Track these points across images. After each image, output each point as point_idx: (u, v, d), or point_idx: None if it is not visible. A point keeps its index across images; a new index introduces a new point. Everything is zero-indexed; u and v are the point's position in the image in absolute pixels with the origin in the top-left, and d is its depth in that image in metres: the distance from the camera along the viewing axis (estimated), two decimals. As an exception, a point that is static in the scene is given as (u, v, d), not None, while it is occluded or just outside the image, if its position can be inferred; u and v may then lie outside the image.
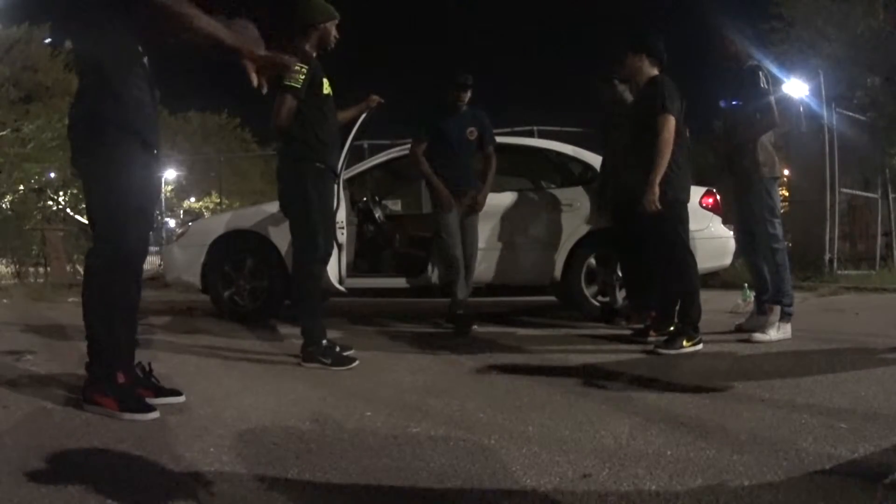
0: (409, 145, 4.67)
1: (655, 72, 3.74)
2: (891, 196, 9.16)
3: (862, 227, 9.87)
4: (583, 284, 4.71)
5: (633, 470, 1.72)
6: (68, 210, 22.54)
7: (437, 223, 4.43)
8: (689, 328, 3.51)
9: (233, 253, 4.98)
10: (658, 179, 3.49)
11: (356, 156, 6.87)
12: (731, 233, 4.99)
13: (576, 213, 4.72)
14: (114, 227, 2.30)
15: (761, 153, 3.81)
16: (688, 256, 3.62)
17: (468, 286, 4.50)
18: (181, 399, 2.47)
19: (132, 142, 2.28)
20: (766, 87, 3.76)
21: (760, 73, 3.78)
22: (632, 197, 4.07)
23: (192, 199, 31.50)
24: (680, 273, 3.63)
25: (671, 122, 3.52)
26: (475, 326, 4.34)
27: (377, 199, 6.03)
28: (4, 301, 6.76)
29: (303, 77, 3.14)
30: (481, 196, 4.48)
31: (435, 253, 4.64)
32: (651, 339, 3.72)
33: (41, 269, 10.29)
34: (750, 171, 3.82)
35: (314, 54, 3.30)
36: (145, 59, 2.34)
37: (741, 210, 4.02)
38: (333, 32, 3.35)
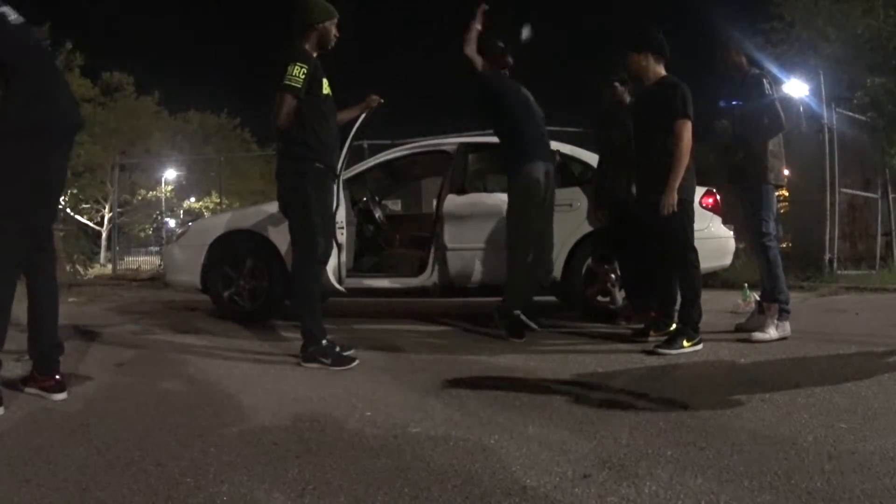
0: (408, 145, 4.65)
1: (662, 69, 3.72)
2: (891, 196, 9.14)
3: (862, 227, 9.86)
4: (583, 284, 4.71)
5: (633, 470, 1.72)
6: (68, 210, 22.58)
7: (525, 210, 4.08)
8: (690, 328, 3.51)
9: (233, 253, 4.98)
10: (677, 184, 3.48)
11: (356, 156, 6.88)
12: (731, 233, 4.99)
13: (576, 213, 4.71)
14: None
15: (771, 159, 3.81)
16: (694, 256, 3.61)
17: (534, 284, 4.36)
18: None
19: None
20: (771, 92, 3.77)
21: (764, 80, 3.79)
22: (628, 197, 4.06)
23: (192, 199, 31.49)
24: (685, 273, 3.63)
25: (690, 128, 3.52)
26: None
27: (377, 199, 6.03)
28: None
29: (303, 77, 3.14)
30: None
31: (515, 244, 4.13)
32: (651, 339, 3.72)
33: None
34: (757, 175, 3.82)
35: (314, 54, 3.30)
36: None
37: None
38: (333, 31, 3.35)
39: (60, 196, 2.79)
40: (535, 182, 4.04)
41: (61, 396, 2.57)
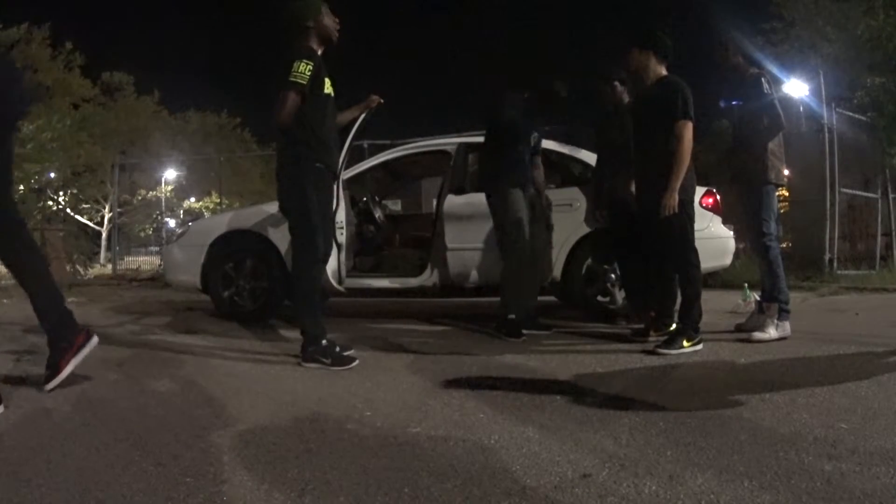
0: (408, 145, 4.65)
1: (663, 70, 3.72)
2: (891, 196, 9.15)
3: (862, 227, 9.86)
4: (583, 284, 4.71)
5: (633, 470, 1.72)
6: (68, 210, 22.58)
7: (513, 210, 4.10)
8: (690, 328, 3.51)
9: (233, 253, 4.98)
10: (678, 185, 3.48)
11: (356, 156, 6.88)
12: (731, 233, 4.99)
13: (575, 213, 4.71)
14: None
15: (771, 159, 3.82)
16: (694, 256, 3.61)
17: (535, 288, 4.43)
18: None
19: None
20: (770, 92, 3.77)
21: (764, 80, 3.79)
22: (628, 197, 4.06)
23: (192, 199, 31.50)
24: (685, 272, 3.63)
25: (691, 129, 3.52)
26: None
27: (377, 199, 6.03)
28: (5, 301, 6.76)
29: (308, 73, 3.13)
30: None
31: (508, 242, 4.15)
32: (651, 338, 3.72)
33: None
34: (758, 174, 3.82)
35: (319, 51, 3.29)
36: None
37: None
38: (331, 22, 3.33)
39: None
40: (516, 204, 4.09)
41: (96, 340, 2.80)
